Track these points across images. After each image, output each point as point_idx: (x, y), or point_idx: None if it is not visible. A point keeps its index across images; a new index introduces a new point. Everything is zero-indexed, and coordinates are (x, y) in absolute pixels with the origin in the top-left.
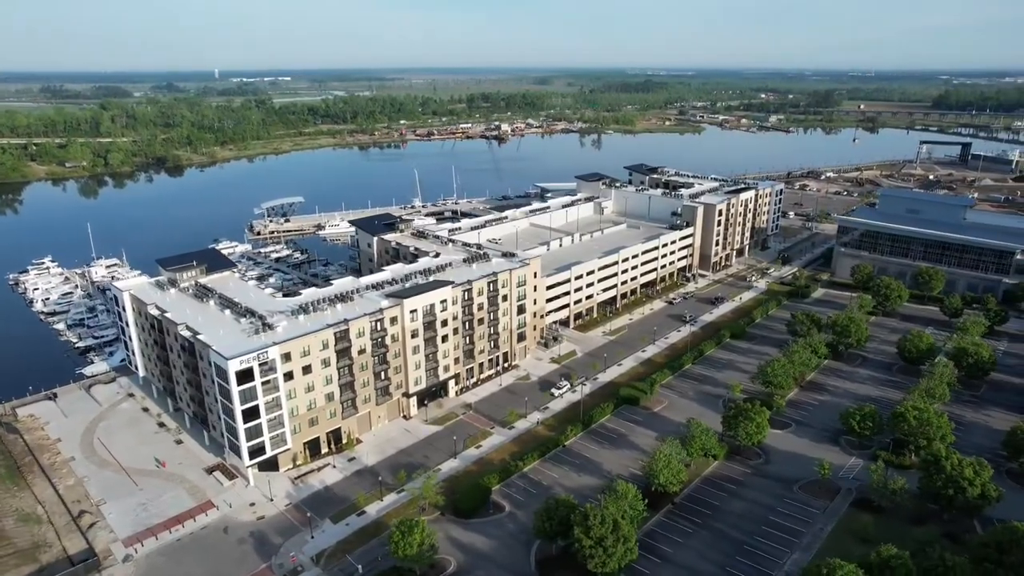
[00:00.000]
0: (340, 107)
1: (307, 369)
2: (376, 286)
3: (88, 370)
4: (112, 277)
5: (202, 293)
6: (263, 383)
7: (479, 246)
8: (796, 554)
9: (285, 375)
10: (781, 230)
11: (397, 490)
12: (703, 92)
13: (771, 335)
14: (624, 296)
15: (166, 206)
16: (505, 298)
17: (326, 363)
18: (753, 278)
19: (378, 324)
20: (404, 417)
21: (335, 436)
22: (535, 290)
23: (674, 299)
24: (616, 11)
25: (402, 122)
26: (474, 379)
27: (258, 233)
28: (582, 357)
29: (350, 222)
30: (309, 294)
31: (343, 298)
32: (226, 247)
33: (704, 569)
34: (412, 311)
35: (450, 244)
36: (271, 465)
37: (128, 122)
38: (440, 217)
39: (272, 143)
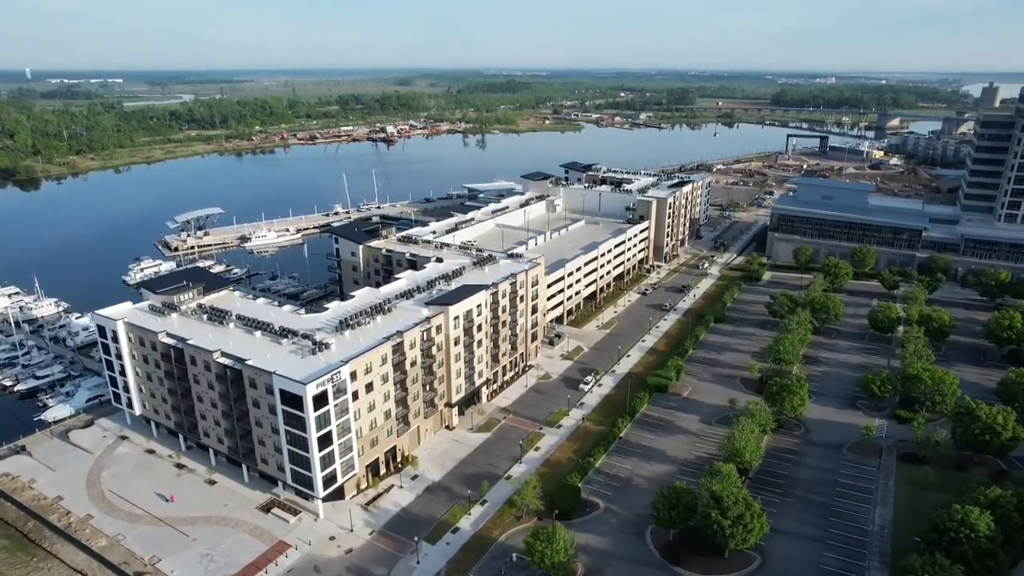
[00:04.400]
0: (203, 111)
1: (369, 387)
2: (405, 295)
3: (48, 415)
4: (20, 308)
5: (217, 315)
6: (335, 406)
7: (478, 249)
8: (878, 508)
9: (352, 395)
10: (709, 220)
11: (480, 501)
12: (565, 91)
13: (747, 316)
14: (602, 290)
15: (47, 224)
16: (522, 299)
17: (385, 379)
18: (705, 265)
19: (425, 334)
20: (447, 428)
21: (391, 455)
22: (539, 289)
23: (646, 290)
24: (467, 13)
25: (282, 126)
26: (498, 383)
27: (176, 249)
28: (589, 352)
29: (330, 230)
30: (336, 308)
31: (379, 310)
32: (149, 266)
33: (809, 533)
34: (455, 318)
35: (444, 248)
36: (336, 494)
37: None
38: (368, 222)
39: (140, 151)
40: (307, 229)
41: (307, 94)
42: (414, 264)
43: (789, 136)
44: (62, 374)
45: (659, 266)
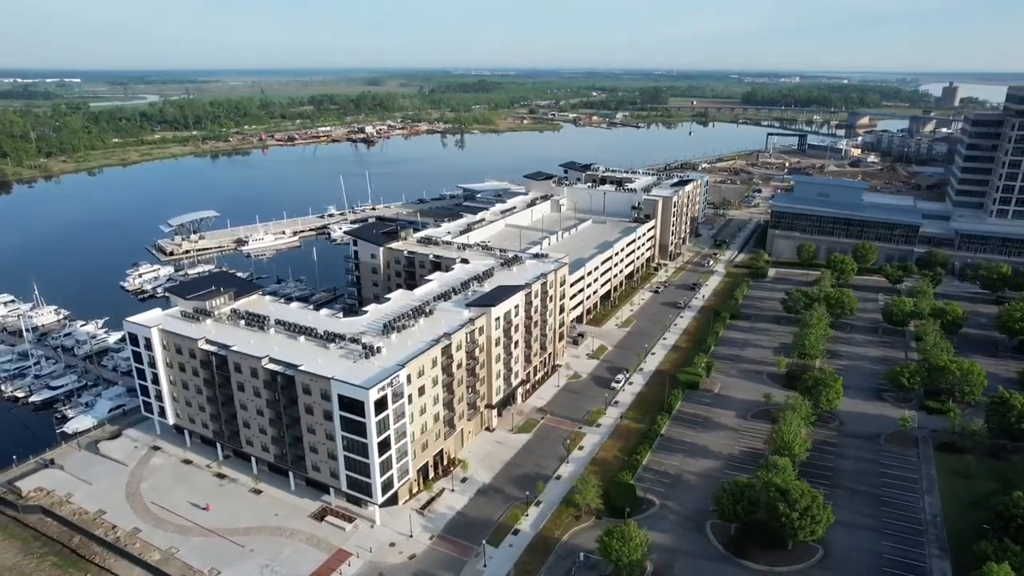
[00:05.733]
0: (174, 112)
1: (421, 390)
2: (442, 296)
3: (70, 427)
4: (18, 316)
5: (255, 321)
6: (393, 410)
7: (501, 250)
8: (927, 497)
9: (407, 399)
10: (706, 218)
11: (535, 502)
12: (537, 91)
13: (760, 312)
14: (615, 289)
15: (31, 230)
16: (551, 299)
17: (435, 382)
18: (710, 263)
19: (469, 336)
20: (487, 429)
21: (439, 459)
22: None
23: (658, 288)
24: (429, 13)
25: (257, 127)
26: (531, 383)
27: (171, 253)
28: (613, 350)
29: (349, 233)
30: (373, 311)
31: (420, 312)
32: (147, 271)
33: (864, 523)
34: (497, 319)
35: (466, 249)
36: (391, 500)
37: None
38: (367, 223)
39: (114, 153)
40: (303, 231)
41: (276, 94)
42: (438, 265)
43: (769, 135)
44: (76, 383)
45: (665, 264)
